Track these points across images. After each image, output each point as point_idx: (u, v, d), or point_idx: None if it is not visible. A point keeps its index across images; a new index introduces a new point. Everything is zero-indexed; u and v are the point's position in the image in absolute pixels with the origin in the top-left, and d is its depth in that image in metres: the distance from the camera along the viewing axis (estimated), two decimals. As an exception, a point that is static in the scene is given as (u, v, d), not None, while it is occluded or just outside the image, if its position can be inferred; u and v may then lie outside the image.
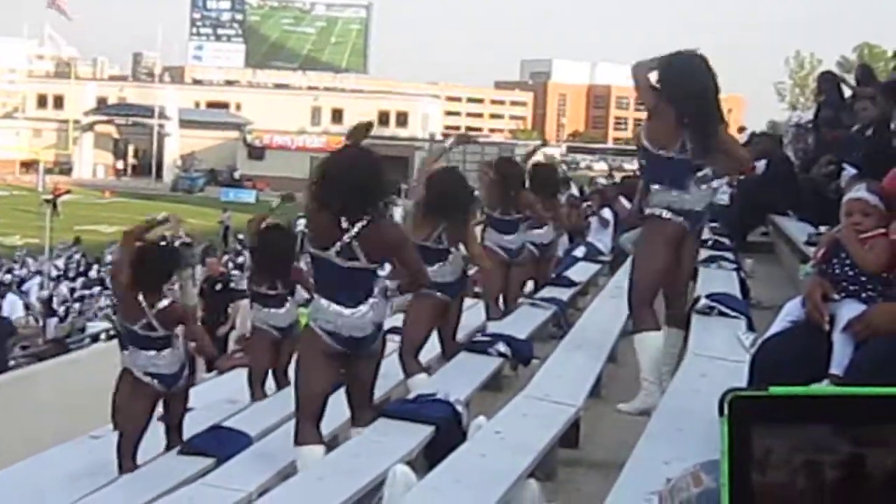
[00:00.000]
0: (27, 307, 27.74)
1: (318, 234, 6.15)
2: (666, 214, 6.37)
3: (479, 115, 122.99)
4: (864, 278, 4.25)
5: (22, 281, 32.94)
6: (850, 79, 14.05)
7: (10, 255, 40.73)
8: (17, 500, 7.52)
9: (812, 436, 0.83)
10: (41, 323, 27.27)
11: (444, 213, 8.00)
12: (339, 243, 6.04)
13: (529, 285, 11.23)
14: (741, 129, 21.52)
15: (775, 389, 0.86)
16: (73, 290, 32.75)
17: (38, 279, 32.07)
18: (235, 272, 26.51)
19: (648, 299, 6.60)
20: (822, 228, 8.25)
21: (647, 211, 6.46)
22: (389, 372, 7.65)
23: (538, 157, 12.90)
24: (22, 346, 21.88)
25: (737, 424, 0.85)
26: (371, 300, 6.16)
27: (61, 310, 28.77)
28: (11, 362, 18.38)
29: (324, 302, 6.12)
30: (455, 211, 8.06)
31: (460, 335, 8.92)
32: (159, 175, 78.66)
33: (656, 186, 6.38)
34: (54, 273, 35.22)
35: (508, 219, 10.15)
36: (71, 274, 36.10)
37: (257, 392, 9.22)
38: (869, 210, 4.32)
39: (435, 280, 7.71)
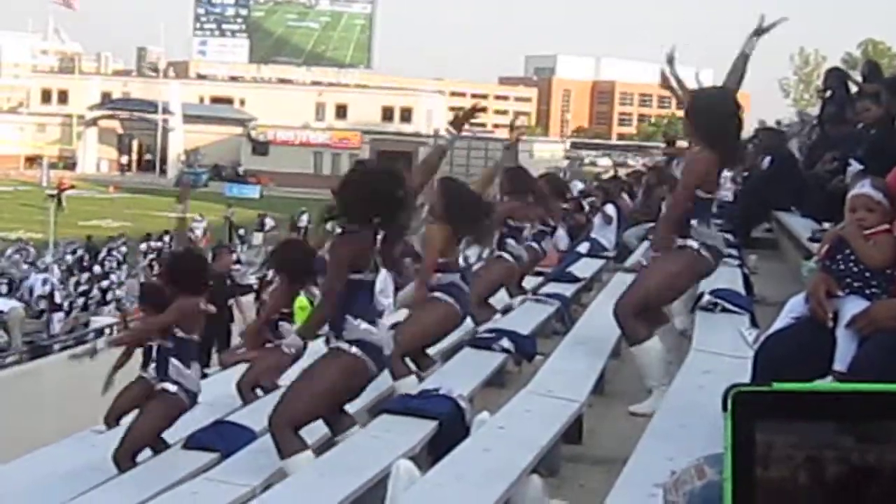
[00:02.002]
0: (28, 303, 27.78)
1: (360, 256, 6.06)
2: (704, 252, 6.44)
3: (483, 111, 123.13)
4: (868, 274, 4.25)
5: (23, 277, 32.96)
6: (856, 75, 14.05)
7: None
8: (19, 495, 7.53)
9: (815, 432, 0.83)
10: (40, 317, 27.32)
11: (468, 228, 8.01)
12: (372, 261, 6.12)
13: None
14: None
15: (778, 385, 0.86)
16: (77, 285, 32.81)
17: (42, 275, 32.08)
18: (236, 266, 26.55)
19: (639, 313, 6.63)
20: (826, 225, 8.26)
21: (682, 242, 6.47)
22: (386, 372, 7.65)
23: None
24: (25, 341, 21.95)
25: (740, 420, 0.85)
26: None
27: (65, 304, 28.79)
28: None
29: (362, 325, 6.07)
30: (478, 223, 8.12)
31: (458, 334, 8.92)
32: (163, 170, 78.68)
33: (694, 222, 6.42)
34: (57, 268, 35.27)
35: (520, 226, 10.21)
36: (75, 269, 36.16)
37: (251, 397, 9.09)
38: (873, 206, 4.31)
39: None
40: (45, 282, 30.68)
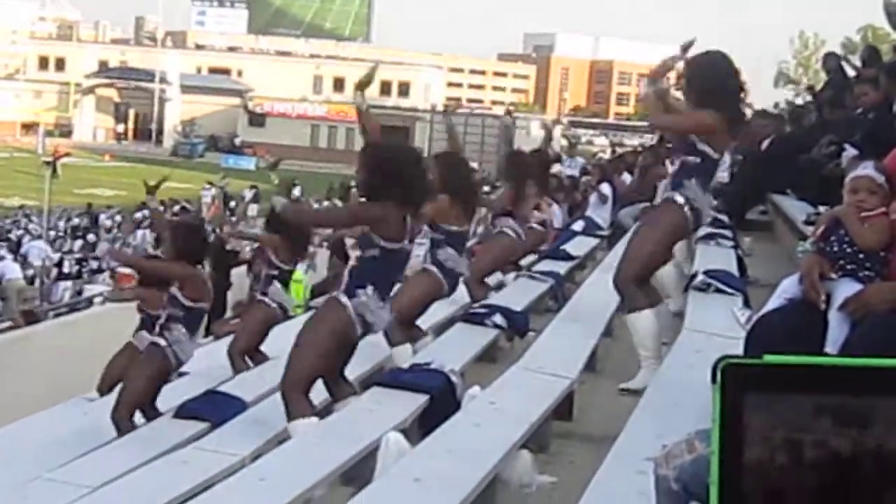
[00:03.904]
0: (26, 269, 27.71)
1: (391, 227, 6.16)
2: (688, 210, 6.44)
3: (482, 87, 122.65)
4: (862, 256, 4.24)
5: (19, 243, 32.90)
6: (855, 60, 14.05)
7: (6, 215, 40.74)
8: (9, 461, 7.53)
9: (805, 405, 0.83)
10: (43, 284, 27.21)
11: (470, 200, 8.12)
12: (408, 235, 6.24)
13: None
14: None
15: (769, 358, 0.85)
16: (69, 253, 32.75)
17: (37, 243, 32.00)
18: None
19: (640, 278, 6.65)
20: (822, 208, 8.25)
21: (670, 195, 6.50)
22: (384, 342, 7.67)
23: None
24: (21, 309, 21.86)
25: (729, 392, 0.84)
26: None
27: (55, 272, 28.66)
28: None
29: (377, 297, 6.16)
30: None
31: (451, 309, 8.93)
32: (159, 140, 78.56)
33: (690, 181, 6.42)
34: (53, 235, 35.23)
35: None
36: (68, 237, 36.12)
37: (240, 364, 9.11)
38: (874, 188, 4.30)
39: (446, 264, 7.84)
40: (54, 249, 30.56)
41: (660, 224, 6.66)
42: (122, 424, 7.63)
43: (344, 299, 6.13)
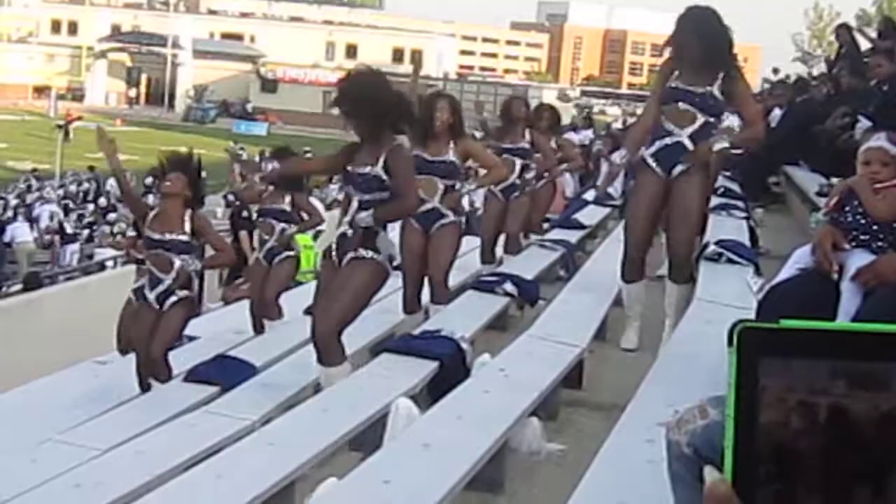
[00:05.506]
0: (37, 232, 27.77)
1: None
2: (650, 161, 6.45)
3: (494, 56, 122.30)
4: (875, 227, 4.23)
5: (31, 206, 32.94)
6: (870, 32, 13.98)
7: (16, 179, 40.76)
8: (20, 423, 7.55)
9: (821, 370, 0.83)
10: (53, 247, 27.28)
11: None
12: None
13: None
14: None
15: (786, 322, 0.85)
16: (81, 217, 32.80)
17: (49, 206, 32.04)
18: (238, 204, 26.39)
19: (628, 250, 6.76)
20: (834, 180, 8.24)
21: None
22: (394, 308, 7.67)
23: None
24: (31, 271, 21.92)
25: (745, 356, 0.84)
26: None
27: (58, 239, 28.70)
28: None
29: (388, 236, 6.23)
30: None
31: (463, 276, 8.92)
32: (171, 105, 78.48)
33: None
34: (64, 200, 35.25)
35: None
36: (78, 201, 36.15)
37: (275, 314, 9.14)
38: (887, 160, 4.29)
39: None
40: (52, 216, 30.61)
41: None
42: (162, 376, 7.68)
43: (377, 257, 6.10)
